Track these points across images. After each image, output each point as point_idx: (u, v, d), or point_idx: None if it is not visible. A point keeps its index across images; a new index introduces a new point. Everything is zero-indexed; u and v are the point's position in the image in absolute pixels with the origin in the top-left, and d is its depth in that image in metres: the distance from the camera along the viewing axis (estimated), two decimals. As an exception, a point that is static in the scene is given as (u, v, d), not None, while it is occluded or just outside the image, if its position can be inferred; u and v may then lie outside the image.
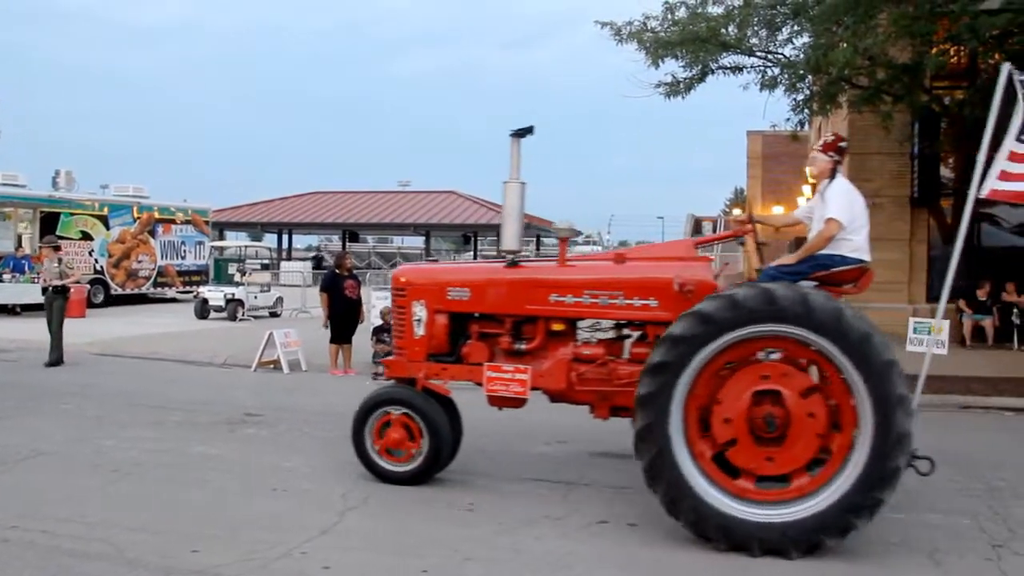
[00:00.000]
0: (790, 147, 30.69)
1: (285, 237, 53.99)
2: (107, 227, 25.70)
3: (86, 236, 24.95)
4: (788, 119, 15.56)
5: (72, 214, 24.63)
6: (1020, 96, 6.71)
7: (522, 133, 6.92)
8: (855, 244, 6.08)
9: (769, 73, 14.12)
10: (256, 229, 52.38)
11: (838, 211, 5.96)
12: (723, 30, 13.57)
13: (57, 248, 14.13)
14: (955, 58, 14.21)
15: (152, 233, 27.43)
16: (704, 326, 5.58)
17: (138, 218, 26.88)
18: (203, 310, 21.98)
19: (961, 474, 7.62)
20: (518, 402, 6.77)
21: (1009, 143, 6.65)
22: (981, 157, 6.71)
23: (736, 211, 51.32)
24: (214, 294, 22.30)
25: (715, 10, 13.82)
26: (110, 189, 27.92)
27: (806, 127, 18.50)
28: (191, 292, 26.49)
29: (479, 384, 6.76)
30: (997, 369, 13.53)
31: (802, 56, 13.81)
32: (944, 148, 16.89)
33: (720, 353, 5.68)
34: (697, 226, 50.29)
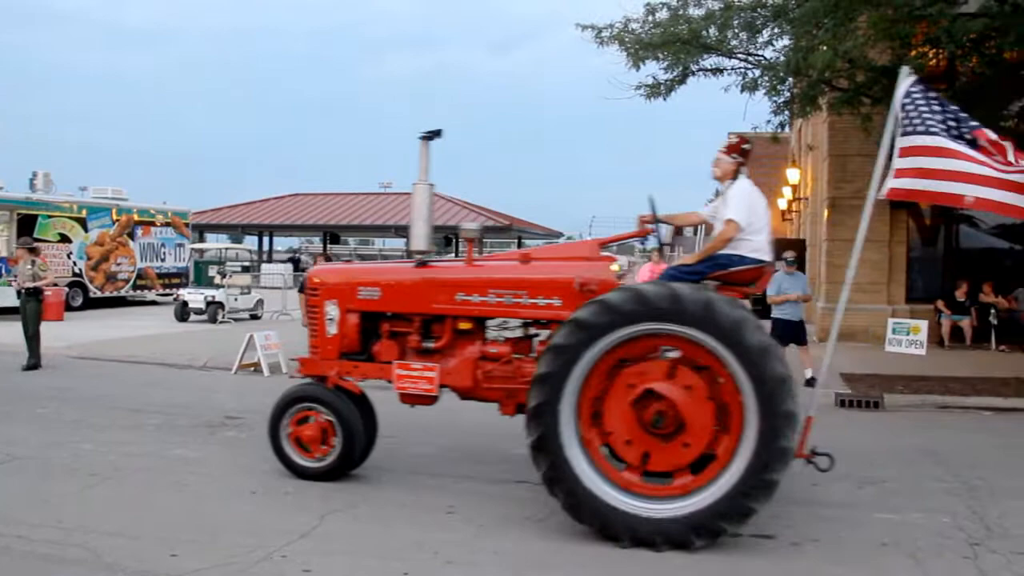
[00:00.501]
0: (770, 149, 30.76)
1: (266, 239, 53.80)
2: (86, 229, 25.48)
3: (64, 239, 24.73)
4: (769, 121, 15.62)
5: (50, 216, 24.40)
6: (902, 95, 6.83)
7: (431, 136, 7.02)
8: (754, 245, 6.21)
9: (750, 75, 14.15)
10: (236, 231, 52.16)
11: (736, 212, 6.11)
12: (704, 32, 13.59)
13: (33, 250, 14.00)
14: (933, 61, 14.29)
15: (131, 236, 27.22)
16: (608, 315, 5.67)
17: (117, 220, 26.67)
18: (183, 313, 21.83)
19: (941, 473, 7.67)
20: (427, 399, 6.91)
21: (897, 141, 6.78)
22: (880, 160, 6.83)
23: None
24: (194, 296, 22.15)
25: (696, 12, 13.85)
26: (89, 191, 27.68)
27: (787, 129, 18.53)
28: (171, 295, 26.31)
29: (390, 382, 6.89)
30: (975, 369, 13.64)
31: (782, 58, 13.86)
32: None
33: (619, 345, 5.77)
34: (677, 228, 50.45)
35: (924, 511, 6.49)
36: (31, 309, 13.36)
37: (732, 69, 14.42)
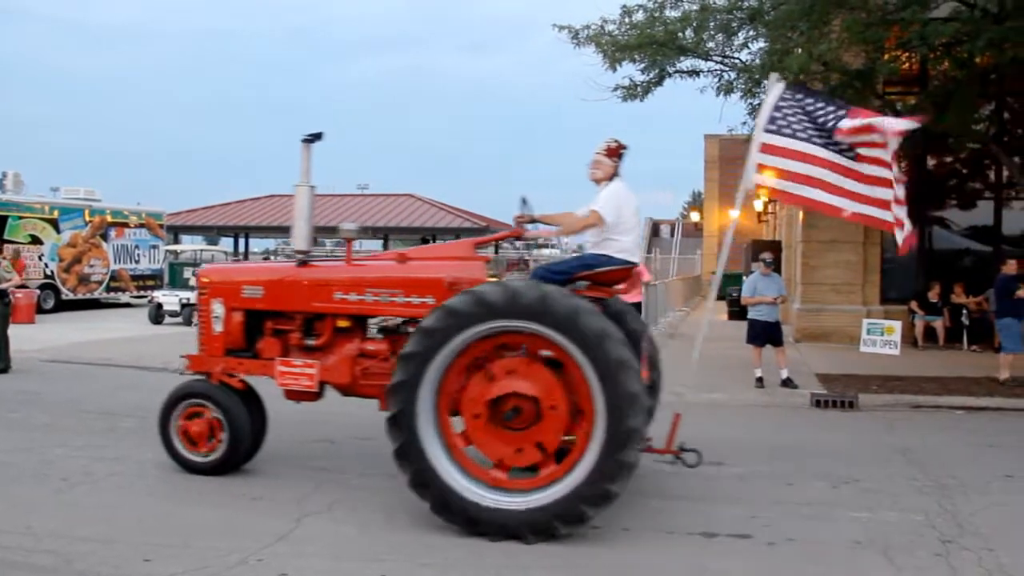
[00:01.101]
0: (747, 151, 30.97)
1: (242, 241, 53.43)
2: (58, 231, 25.22)
3: (36, 240, 24.46)
4: (745, 123, 15.69)
5: (21, 217, 24.13)
6: (773, 102, 7.01)
7: (312, 139, 7.14)
8: (621, 245, 6.38)
9: (726, 77, 14.24)
10: (212, 233, 51.76)
11: (602, 206, 6.32)
12: (680, 34, 13.65)
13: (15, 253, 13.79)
14: (907, 64, 14.43)
15: (105, 237, 26.97)
16: (451, 319, 5.81)
17: (90, 222, 26.42)
18: (158, 315, 21.66)
19: (914, 472, 7.73)
20: (309, 395, 7.04)
21: (760, 136, 6.96)
22: (752, 159, 7.00)
23: (693, 215, 51.84)
24: (169, 299, 21.97)
25: (672, 14, 13.92)
26: (61, 192, 27.40)
27: (762, 131, 18.67)
28: (145, 297, 26.09)
29: (273, 378, 7.02)
30: (948, 369, 13.77)
31: (758, 61, 13.96)
32: (896, 152, 17.13)
33: (469, 346, 5.91)
34: (655, 229, 50.75)
35: (897, 510, 6.55)
36: (-2, 312, 13.19)
37: (708, 71, 14.51)
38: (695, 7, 13.78)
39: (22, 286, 18.30)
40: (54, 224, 25.20)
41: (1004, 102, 17.03)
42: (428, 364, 5.85)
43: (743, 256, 27.15)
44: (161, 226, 30.18)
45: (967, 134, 14.64)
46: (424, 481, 5.86)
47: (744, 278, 25.25)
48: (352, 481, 7.19)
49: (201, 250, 43.38)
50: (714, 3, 13.79)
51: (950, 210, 18.89)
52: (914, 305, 17.25)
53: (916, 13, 11.51)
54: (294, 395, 7.09)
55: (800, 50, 12.30)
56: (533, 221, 6.83)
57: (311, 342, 7.00)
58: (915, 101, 14.95)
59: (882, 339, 13.62)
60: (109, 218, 27.25)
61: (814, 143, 6.79)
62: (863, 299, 17.80)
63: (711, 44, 14.09)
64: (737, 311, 23.17)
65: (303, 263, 7.13)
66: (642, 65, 14.08)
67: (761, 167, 6.92)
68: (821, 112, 6.95)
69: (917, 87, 16.25)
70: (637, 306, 18.00)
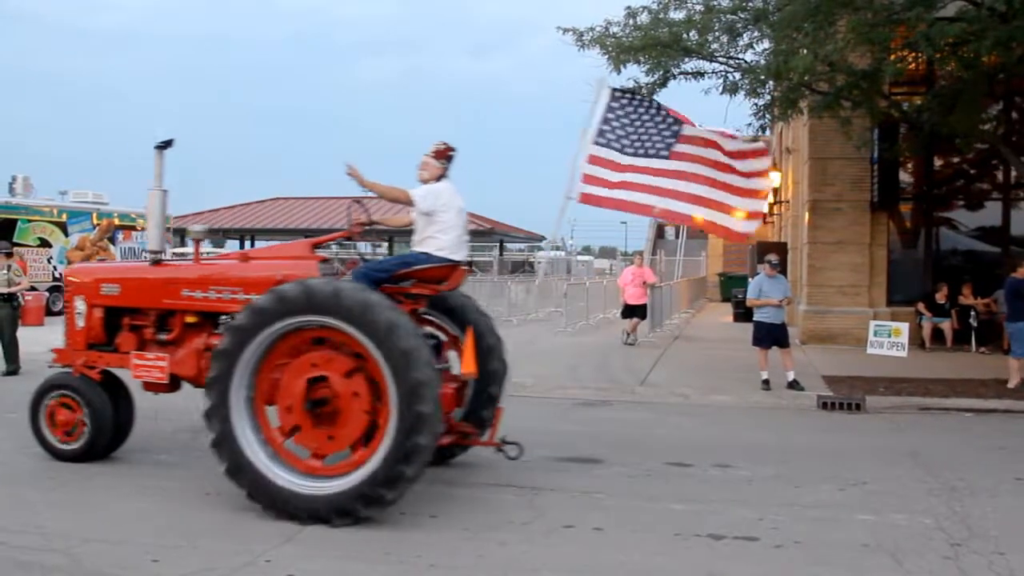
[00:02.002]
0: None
1: (247, 243, 53.52)
2: (66, 234, 25.29)
3: (44, 243, 24.54)
4: (749, 124, 15.65)
5: (30, 221, 24.20)
6: (604, 109, 7.14)
7: (164, 146, 7.49)
8: (441, 243, 6.71)
9: (730, 78, 14.21)
10: (218, 235, 51.87)
11: (418, 193, 6.69)
12: (685, 35, 13.63)
13: (9, 255, 13.84)
14: (913, 65, 14.41)
15: (112, 240, 27.04)
16: (256, 317, 6.18)
17: (97, 224, 26.49)
18: (164, 317, 21.65)
19: (922, 475, 7.71)
20: (163, 387, 7.38)
21: (588, 148, 7.10)
22: (578, 164, 7.13)
23: None
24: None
25: (677, 16, 13.91)
26: (69, 195, 27.46)
27: (767, 132, 18.64)
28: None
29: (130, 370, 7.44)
30: (955, 371, 13.73)
31: (763, 62, 13.93)
32: (903, 153, 17.14)
33: (277, 341, 6.28)
34: (660, 231, 50.71)
35: (905, 512, 6.53)
36: (6, 315, 13.27)
37: (713, 72, 14.47)
38: (700, 8, 13.76)
39: (31, 288, 18.36)
40: (62, 227, 25.27)
41: (1012, 102, 16.97)
42: (238, 360, 6.20)
43: (749, 258, 27.12)
44: (168, 229, 30.21)
45: (974, 134, 14.59)
46: (239, 469, 6.18)
47: (750, 280, 25.28)
48: (359, 483, 7.17)
49: (207, 252, 43.54)
50: (719, 4, 13.78)
51: (958, 211, 18.85)
52: (921, 307, 17.20)
53: (922, 13, 11.48)
54: (150, 387, 7.45)
55: (805, 51, 12.28)
56: (372, 223, 7.26)
57: (163, 337, 7.38)
58: (922, 101, 14.92)
59: (889, 341, 13.59)
60: (117, 221, 27.32)
61: (628, 152, 7.04)
62: (870, 301, 17.75)
63: (716, 45, 14.06)
64: (743, 313, 23.14)
65: (156, 262, 7.57)
66: (646, 67, 14.06)
67: (587, 177, 7.16)
68: (650, 119, 7.18)
69: (924, 87, 16.23)
70: (642, 308, 18.05)
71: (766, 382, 12.14)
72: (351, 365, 6.18)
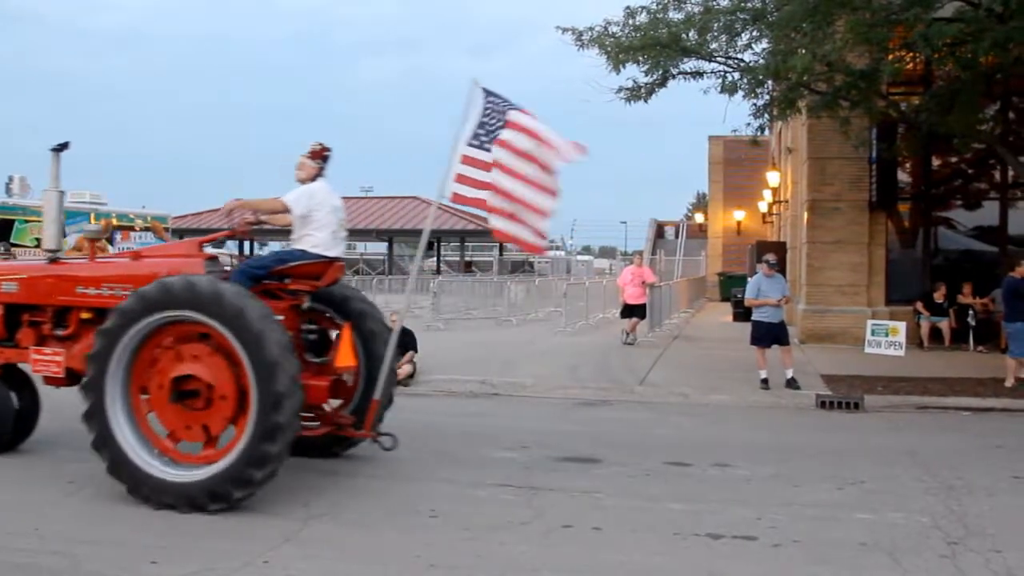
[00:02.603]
0: (751, 152, 31.00)
1: (245, 244, 53.45)
2: (63, 234, 25.27)
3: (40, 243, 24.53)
4: (748, 124, 15.67)
5: (27, 221, 24.20)
6: (481, 105, 7.28)
7: (60, 148, 7.67)
8: (315, 240, 7.04)
9: (729, 78, 14.21)
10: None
11: (291, 198, 7.00)
12: (683, 35, 13.64)
13: (6, 256, 13.84)
14: (911, 65, 14.42)
15: (111, 240, 27.01)
16: (120, 318, 6.49)
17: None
18: (163, 318, 21.66)
19: (920, 474, 7.72)
20: (60, 381, 7.52)
21: (461, 147, 7.30)
22: (452, 165, 7.28)
23: (663, 221, 51.81)
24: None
25: (676, 16, 13.91)
26: (66, 196, 27.45)
27: (766, 132, 18.65)
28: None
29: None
30: (953, 370, 13.74)
31: (762, 62, 13.95)
32: (901, 153, 17.16)
33: (151, 334, 6.59)
34: (660, 230, 50.73)
35: (903, 511, 6.54)
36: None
37: (712, 72, 14.48)
38: (698, 8, 13.77)
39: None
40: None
41: (1009, 102, 17.00)
42: (118, 342, 6.50)
43: (748, 257, 27.15)
44: (166, 229, 30.19)
45: (972, 134, 14.61)
46: (104, 443, 6.49)
47: (749, 280, 25.31)
48: (358, 483, 7.20)
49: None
50: (717, 4, 13.79)
51: (955, 210, 18.87)
52: (919, 306, 17.21)
53: (920, 13, 11.49)
54: (50, 381, 7.63)
55: (804, 51, 12.29)
56: (259, 222, 7.55)
57: (60, 332, 7.54)
58: (919, 101, 14.93)
59: (886, 340, 13.64)
60: (115, 221, 27.30)
61: (485, 148, 7.19)
62: (868, 300, 17.77)
63: (714, 45, 14.07)
64: (742, 312, 23.15)
65: (53, 260, 7.74)
66: (645, 67, 14.07)
67: (459, 177, 7.31)
68: (492, 111, 7.30)
69: (922, 87, 16.25)
70: (642, 308, 18.05)
71: (765, 381, 12.15)
72: (225, 365, 6.43)
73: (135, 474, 6.41)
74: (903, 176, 18.39)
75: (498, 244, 55.16)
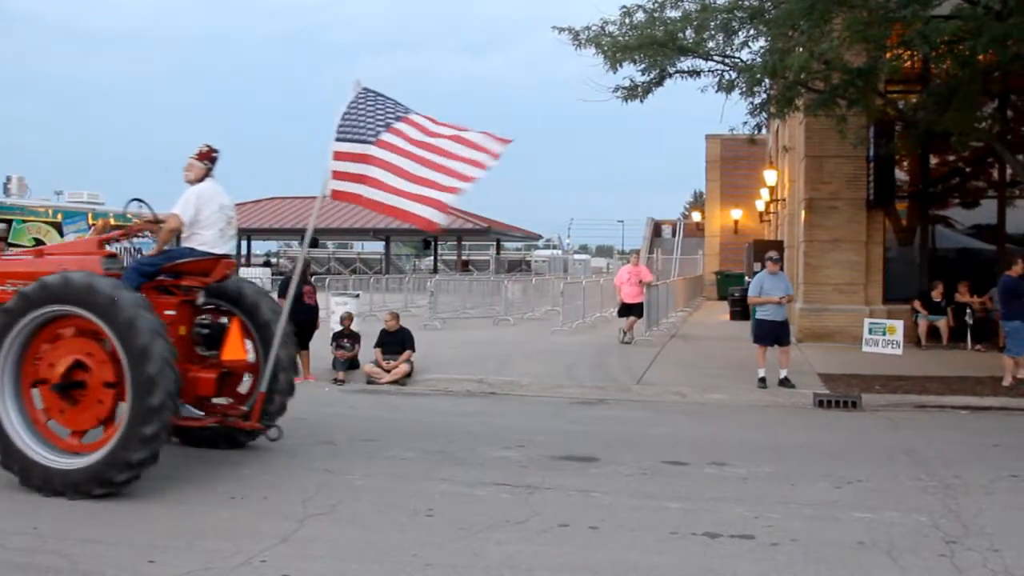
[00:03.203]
0: (748, 150, 30.99)
1: (244, 243, 53.46)
2: (61, 234, 25.17)
3: (40, 243, 24.46)
4: (746, 123, 15.67)
5: (24, 221, 24.15)
6: (347, 105, 7.54)
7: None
8: (203, 239, 7.44)
9: (726, 77, 14.20)
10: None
11: (180, 207, 7.36)
12: (680, 34, 13.63)
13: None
14: (908, 63, 14.40)
15: (108, 240, 26.99)
16: (22, 301, 6.76)
17: (93, 225, 26.41)
18: (160, 317, 21.63)
19: (918, 472, 7.72)
20: None
21: (332, 144, 7.47)
22: (328, 163, 7.53)
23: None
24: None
25: (672, 14, 13.90)
26: (64, 195, 27.38)
27: (764, 130, 18.60)
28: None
29: None
30: (951, 369, 13.74)
31: (759, 60, 13.93)
32: (899, 151, 17.15)
33: (38, 330, 6.87)
34: (657, 229, 50.75)
35: (901, 510, 6.53)
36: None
37: (709, 71, 14.47)
38: (695, 7, 13.75)
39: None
40: (58, 227, 25.15)
41: (1007, 100, 16.99)
42: (3, 339, 6.79)
43: (745, 256, 27.14)
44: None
45: (970, 132, 14.59)
46: (5, 453, 6.70)
47: (746, 279, 25.29)
48: (355, 482, 7.19)
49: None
50: (714, 3, 13.77)
51: (953, 209, 18.87)
52: (917, 304, 17.20)
53: (918, 11, 11.48)
54: None
55: (801, 49, 12.28)
56: (157, 220, 7.76)
57: None
58: (917, 99, 14.92)
59: (884, 339, 13.62)
60: (112, 221, 27.21)
61: (369, 142, 7.33)
62: (866, 299, 17.76)
63: (711, 44, 14.05)
64: (740, 311, 23.15)
65: None
66: (643, 66, 14.06)
67: (336, 174, 7.49)
68: (381, 110, 7.46)
69: (919, 85, 16.23)
70: (639, 306, 18.05)
71: (762, 380, 12.14)
72: (104, 354, 6.72)
73: (25, 463, 6.64)
74: (901, 174, 18.38)
75: (494, 243, 55.17)
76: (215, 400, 7.96)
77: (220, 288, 7.87)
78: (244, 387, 8.24)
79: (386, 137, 7.28)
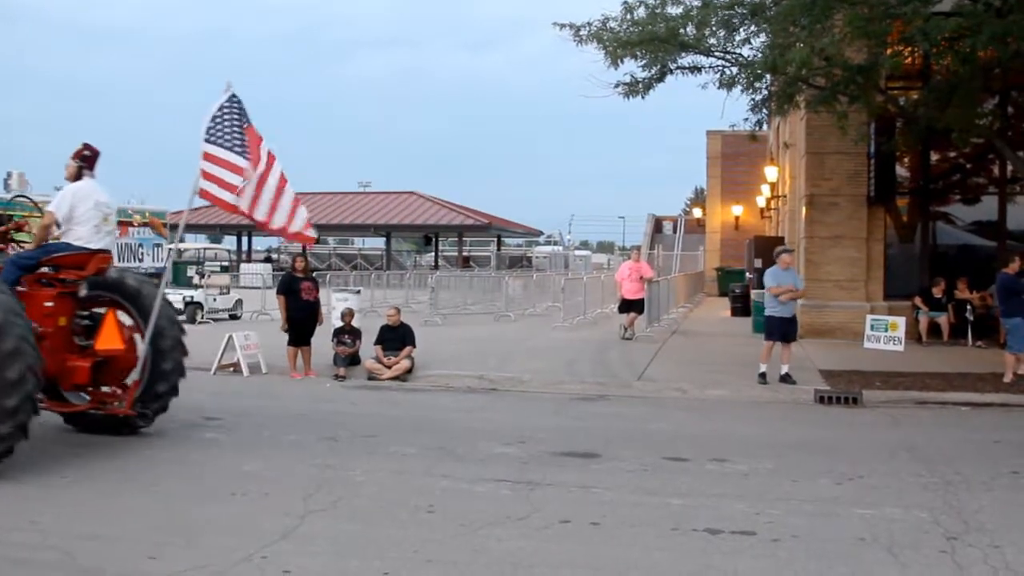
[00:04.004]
0: (749, 147, 30.98)
1: (244, 239, 53.49)
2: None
3: (40, 239, 24.49)
4: (746, 119, 15.68)
5: (25, 217, 24.15)
6: (216, 107, 7.95)
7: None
8: (78, 234, 7.91)
9: (727, 73, 14.19)
10: (215, 231, 51.86)
11: (55, 205, 7.91)
12: (682, 30, 13.62)
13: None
14: (909, 59, 14.39)
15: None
16: None
17: None
18: (161, 313, 21.64)
19: (918, 469, 7.72)
20: None
21: (202, 146, 7.87)
22: (199, 162, 7.93)
23: (697, 211, 51.79)
24: (173, 297, 21.93)
25: (674, 10, 13.88)
26: (64, 191, 27.44)
27: (764, 127, 18.59)
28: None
29: None
30: (952, 365, 13.74)
31: (760, 56, 13.92)
32: (900, 148, 17.14)
33: None
34: (658, 225, 50.74)
35: (902, 506, 6.53)
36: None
37: (710, 67, 14.46)
38: (697, 3, 13.74)
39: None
40: (58, 224, 25.22)
41: (1008, 96, 16.96)
42: None
43: (746, 252, 27.13)
44: (164, 225, 30.16)
45: (970, 129, 14.59)
46: None
47: (747, 275, 25.28)
48: (356, 478, 7.19)
49: (204, 249, 43.47)
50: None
51: (954, 205, 18.87)
52: (918, 301, 17.20)
53: (919, 8, 11.47)
54: None
55: (802, 45, 12.28)
56: (56, 224, 8.06)
57: None
58: (918, 96, 14.90)
59: (886, 335, 13.65)
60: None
61: (235, 151, 7.66)
62: (867, 295, 17.76)
63: (712, 40, 14.04)
64: (741, 307, 23.14)
65: None
66: (644, 62, 14.05)
67: (204, 174, 7.80)
68: (236, 120, 7.81)
69: (920, 82, 16.23)
70: (640, 303, 18.04)
71: (763, 375, 12.13)
72: None
73: None
74: (901, 171, 18.38)
75: (495, 239, 55.15)
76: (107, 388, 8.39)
77: (111, 281, 8.35)
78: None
79: (249, 151, 7.70)
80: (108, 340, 8.05)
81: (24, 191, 25.66)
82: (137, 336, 8.41)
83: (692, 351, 16.30)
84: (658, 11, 13.89)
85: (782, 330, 12.28)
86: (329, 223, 48.68)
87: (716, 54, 14.33)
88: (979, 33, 11.30)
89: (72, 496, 6.57)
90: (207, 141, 7.82)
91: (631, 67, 14.32)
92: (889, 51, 12.83)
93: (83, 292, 8.14)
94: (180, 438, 8.65)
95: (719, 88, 14.09)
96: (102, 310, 8.40)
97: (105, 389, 8.42)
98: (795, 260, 14.75)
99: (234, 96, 8.04)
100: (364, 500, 6.57)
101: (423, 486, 6.97)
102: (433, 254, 56.05)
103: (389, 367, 12.84)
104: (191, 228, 49.88)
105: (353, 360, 13.40)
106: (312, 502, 6.44)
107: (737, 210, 39.01)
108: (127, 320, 8.52)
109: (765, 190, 32.09)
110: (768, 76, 14.14)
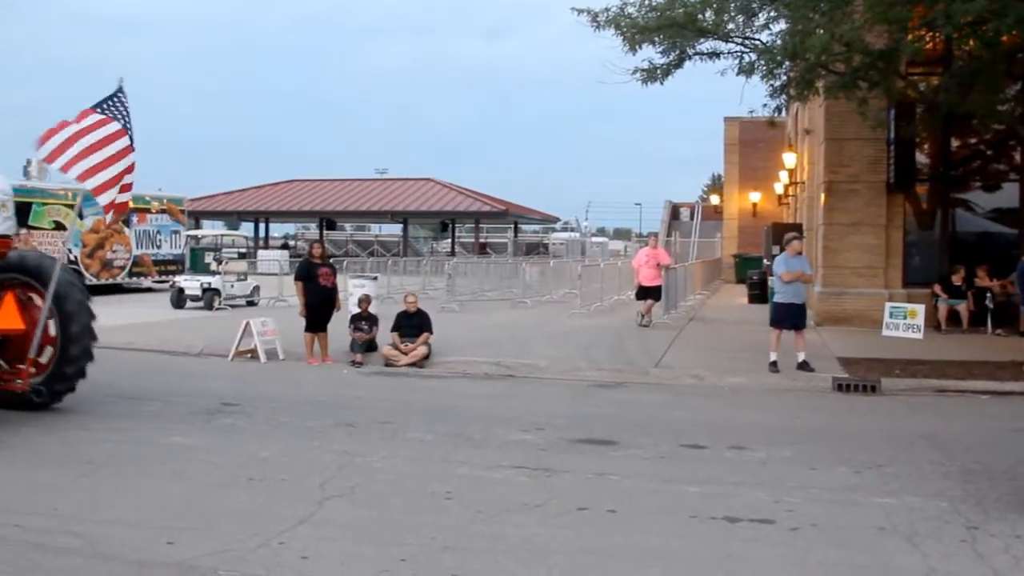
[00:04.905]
0: (767, 133, 30.76)
1: (262, 225, 53.67)
2: (80, 217, 25.38)
3: (59, 226, 24.64)
4: (765, 105, 15.57)
5: (44, 204, 24.30)
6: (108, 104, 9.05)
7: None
8: None
9: (746, 59, 14.09)
10: (232, 218, 52.06)
11: None
12: (700, 15, 13.52)
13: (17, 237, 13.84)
14: (930, 44, 14.23)
15: (127, 223, 27.13)
16: None
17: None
18: (179, 300, 21.78)
19: (938, 457, 7.67)
20: None
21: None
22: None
23: (713, 197, 51.54)
24: (190, 283, 22.09)
25: (692, -5, 13.78)
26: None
27: (783, 113, 18.44)
28: (167, 282, 26.24)
29: None
30: (972, 353, 13.62)
31: (779, 42, 13.80)
32: (919, 134, 16.97)
33: None
34: (675, 212, 50.54)
35: (922, 495, 6.49)
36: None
37: (728, 53, 14.35)
38: (716, -12, 13.63)
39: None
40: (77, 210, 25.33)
41: (1030, 82, 16.77)
42: None
43: (763, 239, 26.98)
44: (182, 211, 30.31)
45: (992, 115, 14.42)
46: None
47: (764, 262, 25.14)
48: (374, 464, 7.21)
49: (222, 235, 43.68)
50: (734, -16, 13.65)
51: (974, 192, 18.68)
52: (937, 288, 17.06)
53: (940, -9, 11.34)
54: None
55: (822, 31, 12.17)
56: None
57: None
58: (939, 81, 14.74)
59: (905, 323, 13.50)
60: (131, 204, 27.36)
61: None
62: (885, 282, 17.63)
63: (731, 26, 13.94)
64: (758, 294, 23.04)
65: None
66: (662, 47, 13.97)
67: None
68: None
69: (941, 67, 16.04)
70: (657, 289, 17.97)
71: (774, 363, 12.06)
72: None
73: None
74: (921, 157, 18.20)
75: (512, 225, 55.10)
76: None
77: (12, 262, 9.02)
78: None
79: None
80: (5, 319, 8.66)
81: (43, 179, 25.85)
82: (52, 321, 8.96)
83: (709, 338, 16.24)
84: (676, -4, 13.80)
85: (791, 317, 12.20)
86: (347, 210, 48.76)
87: (735, 40, 14.22)
88: (1003, 17, 11.15)
89: (91, 483, 6.61)
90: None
91: (649, 53, 14.26)
92: (910, 36, 12.68)
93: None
94: (198, 424, 8.70)
95: (738, 74, 14.01)
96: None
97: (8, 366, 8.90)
98: (804, 247, 14.67)
99: (121, 90, 9.10)
100: (381, 486, 6.58)
101: (440, 472, 6.98)
102: (450, 241, 56.07)
103: (406, 353, 12.85)
104: (209, 215, 50.14)
105: (370, 346, 13.42)
106: (329, 488, 6.45)
107: (755, 197, 38.81)
108: (40, 302, 8.95)
109: (783, 176, 31.87)
110: (787, 62, 14.02)
